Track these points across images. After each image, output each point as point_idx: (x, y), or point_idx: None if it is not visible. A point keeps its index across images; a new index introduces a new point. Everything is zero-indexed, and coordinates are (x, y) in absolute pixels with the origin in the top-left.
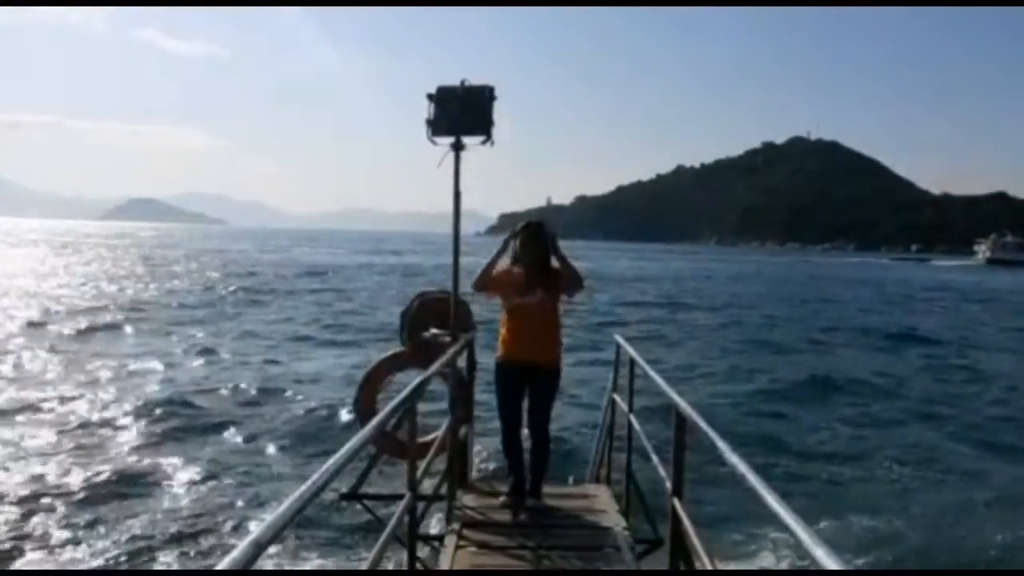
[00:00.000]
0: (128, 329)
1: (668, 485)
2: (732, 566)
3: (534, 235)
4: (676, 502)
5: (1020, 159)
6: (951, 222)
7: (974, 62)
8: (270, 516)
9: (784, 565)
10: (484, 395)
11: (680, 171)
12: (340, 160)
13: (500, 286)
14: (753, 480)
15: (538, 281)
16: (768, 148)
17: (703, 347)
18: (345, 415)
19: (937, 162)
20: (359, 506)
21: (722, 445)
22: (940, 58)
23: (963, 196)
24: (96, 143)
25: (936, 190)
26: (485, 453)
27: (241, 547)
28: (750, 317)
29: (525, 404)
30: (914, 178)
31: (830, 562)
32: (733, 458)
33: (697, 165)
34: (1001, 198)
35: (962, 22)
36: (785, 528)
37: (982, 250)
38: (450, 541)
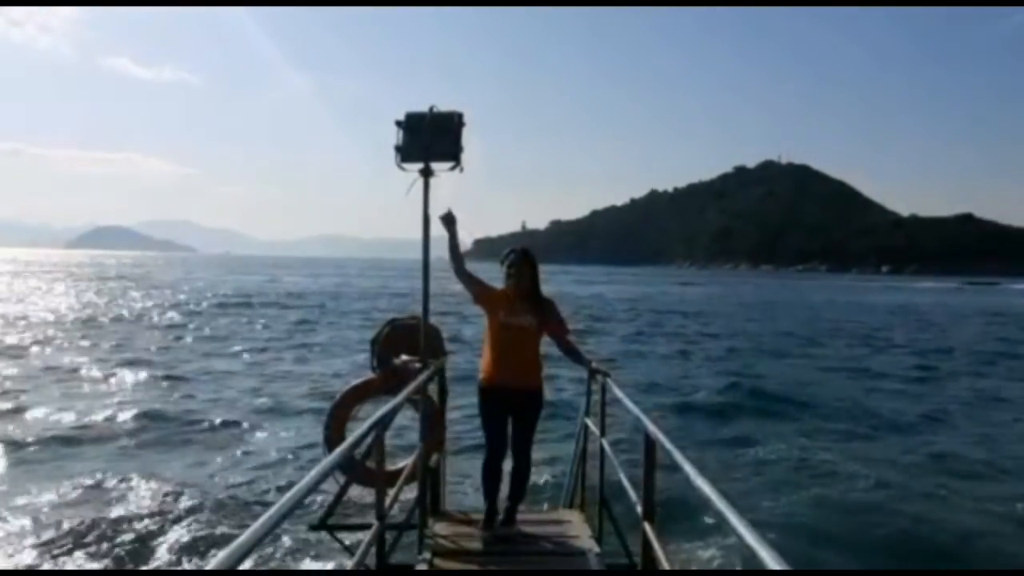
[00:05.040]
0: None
1: (639, 509)
2: None
3: (522, 260)
4: (647, 526)
5: (985, 181)
6: (920, 243)
7: (940, 86)
8: (228, 546)
9: None
10: (457, 422)
11: (653, 195)
12: (309, 186)
13: (489, 299)
14: (717, 501)
15: (528, 306)
16: (740, 172)
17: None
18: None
19: (905, 184)
20: (329, 537)
21: (688, 468)
22: (907, 82)
23: (931, 217)
24: (62, 171)
25: (904, 212)
26: (458, 481)
27: None
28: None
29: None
30: (883, 200)
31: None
32: (699, 480)
33: (670, 189)
34: (968, 219)
35: (929, 44)
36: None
37: None
38: (421, 570)
